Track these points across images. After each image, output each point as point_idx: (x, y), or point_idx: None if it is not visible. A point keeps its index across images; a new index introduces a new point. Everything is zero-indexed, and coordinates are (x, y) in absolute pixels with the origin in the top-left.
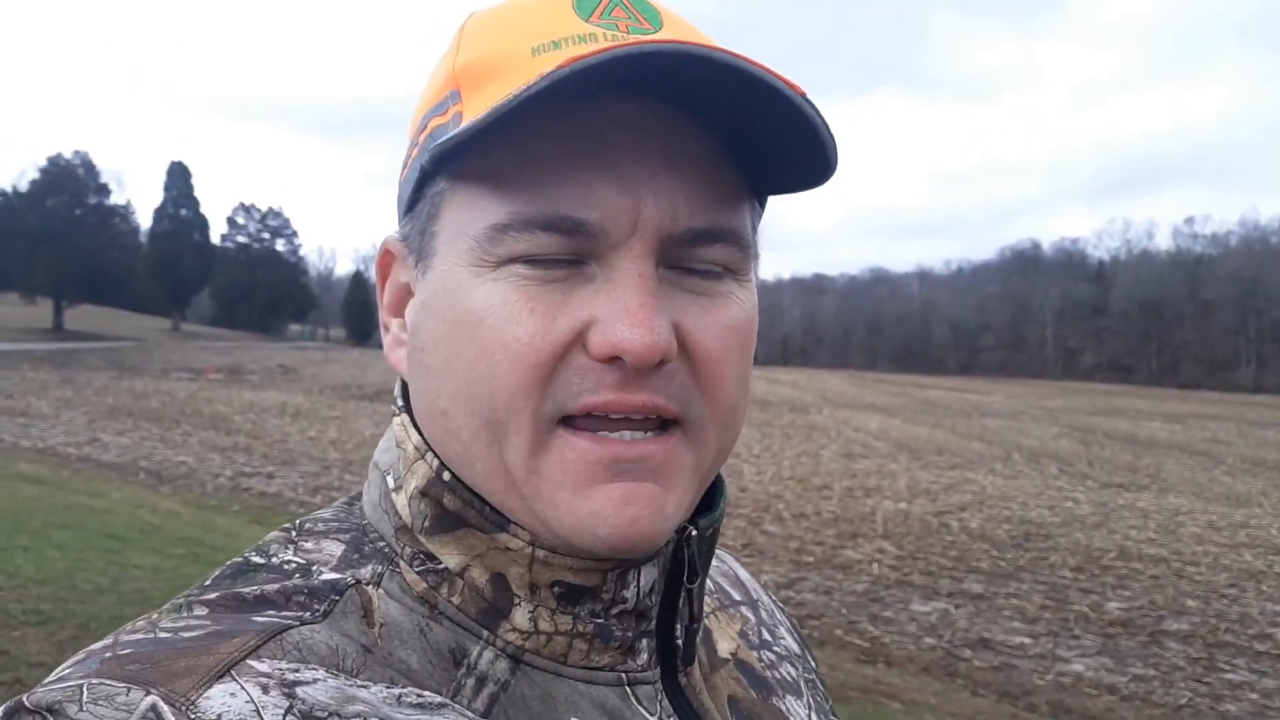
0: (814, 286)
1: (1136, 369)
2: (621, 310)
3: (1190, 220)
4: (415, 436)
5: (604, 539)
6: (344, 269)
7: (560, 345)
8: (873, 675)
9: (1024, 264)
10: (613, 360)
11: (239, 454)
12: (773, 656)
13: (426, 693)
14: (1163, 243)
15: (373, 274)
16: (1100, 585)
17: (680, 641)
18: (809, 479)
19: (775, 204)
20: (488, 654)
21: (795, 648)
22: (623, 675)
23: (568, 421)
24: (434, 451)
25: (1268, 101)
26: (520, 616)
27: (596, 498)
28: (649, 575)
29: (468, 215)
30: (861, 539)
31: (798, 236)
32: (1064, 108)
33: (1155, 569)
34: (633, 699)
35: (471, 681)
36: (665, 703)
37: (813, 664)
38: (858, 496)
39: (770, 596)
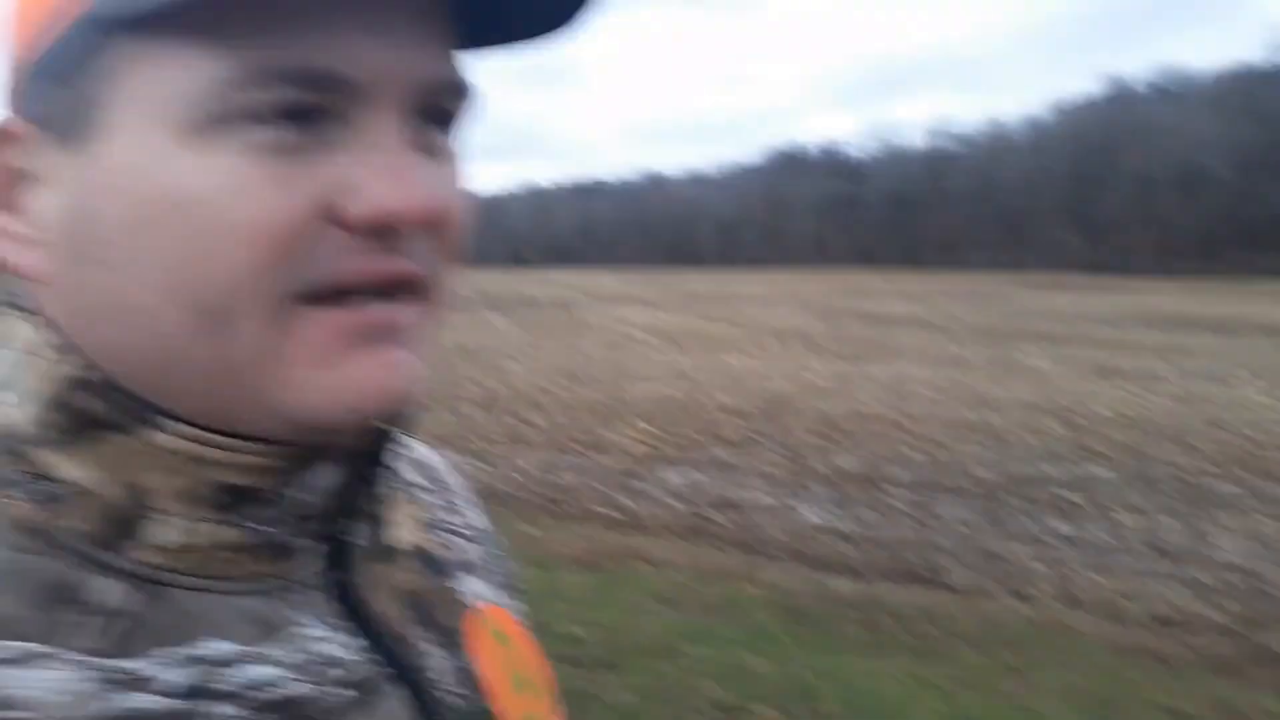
0: (589, 191)
1: (882, 256)
2: (385, 171)
3: (942, 120)
4: (46, 335)
5: (355, 407)
6: None
7: (304, 217)
8: (626, 542)
9: (790, 165)
10: (375, 228)
11: None
12: (452, 539)
13: (15, 643)
14: (916, 142)
15: None
16: (834, 445)
17: (355, 540)
18: (574, 371)
19: (553, 112)
20: (115, 584)
21: (479, 525)
22: (285, 584)
23: (311, 299)
24: (81, 352)
25: (1001, 9)
26: (163, 532)
27: (347, 368)
28: (327, 473)
29: (173, 73)
30: (621, 422)
31: (574, 145)
32: (820, 13)
33: (883, 427)
34: (291, 606)
35: (96, 620)
36: (334, 605)
37: (499, 543)
38: (620, 384)
39: (458, 477)
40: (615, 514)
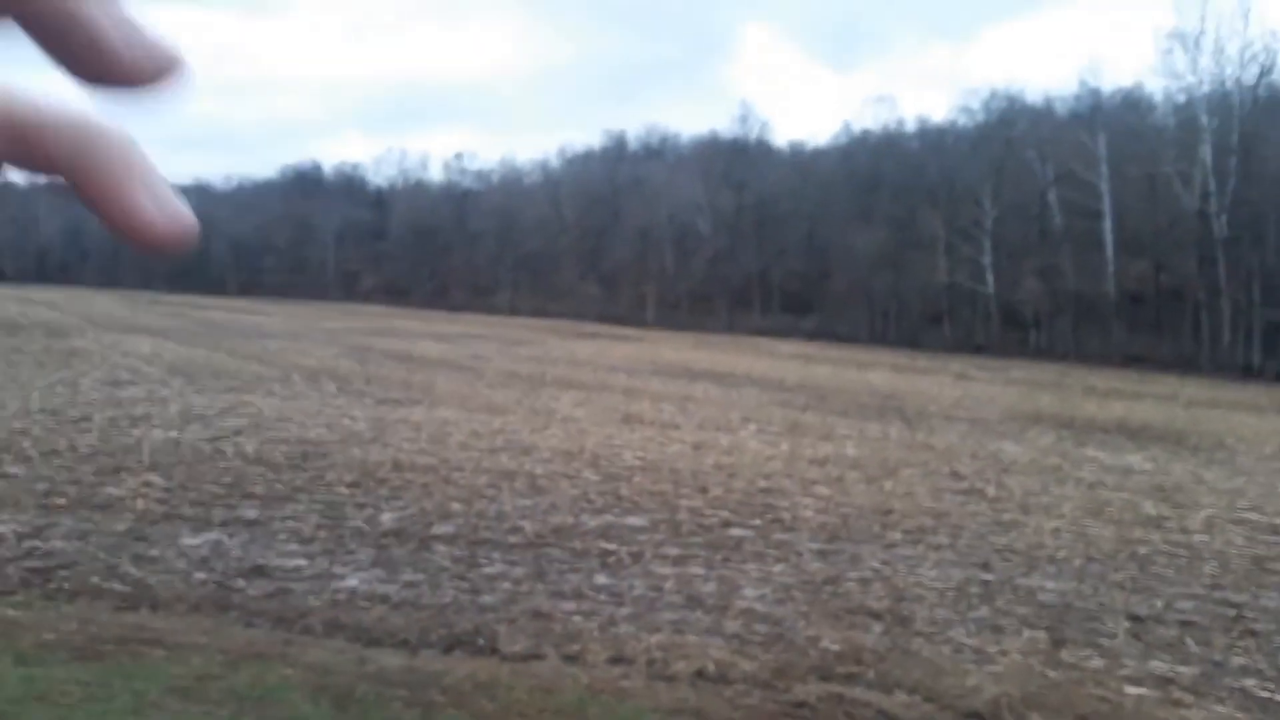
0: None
1: (412, 292)
2: None
3: (459, 156)
4: None
5: None
6: None
7: None
8: (134, 622)
9: (306, 185)
10: None
11: None
12: None
13: None
14: (435, 174)
15: None
16: (375, 498)
17: None
18: (65, 411)
19: None
20: None
21: None
22: None
23: None
24: None
25: (515, 55)
26: None
27: None
28: None
29: None
30: (125, 473)
31: None
32: (342, 33)
33: (426, 477)
34: None
35: None
36: None
37: None
38: (123, 427)
39: None
40: (121, 587)
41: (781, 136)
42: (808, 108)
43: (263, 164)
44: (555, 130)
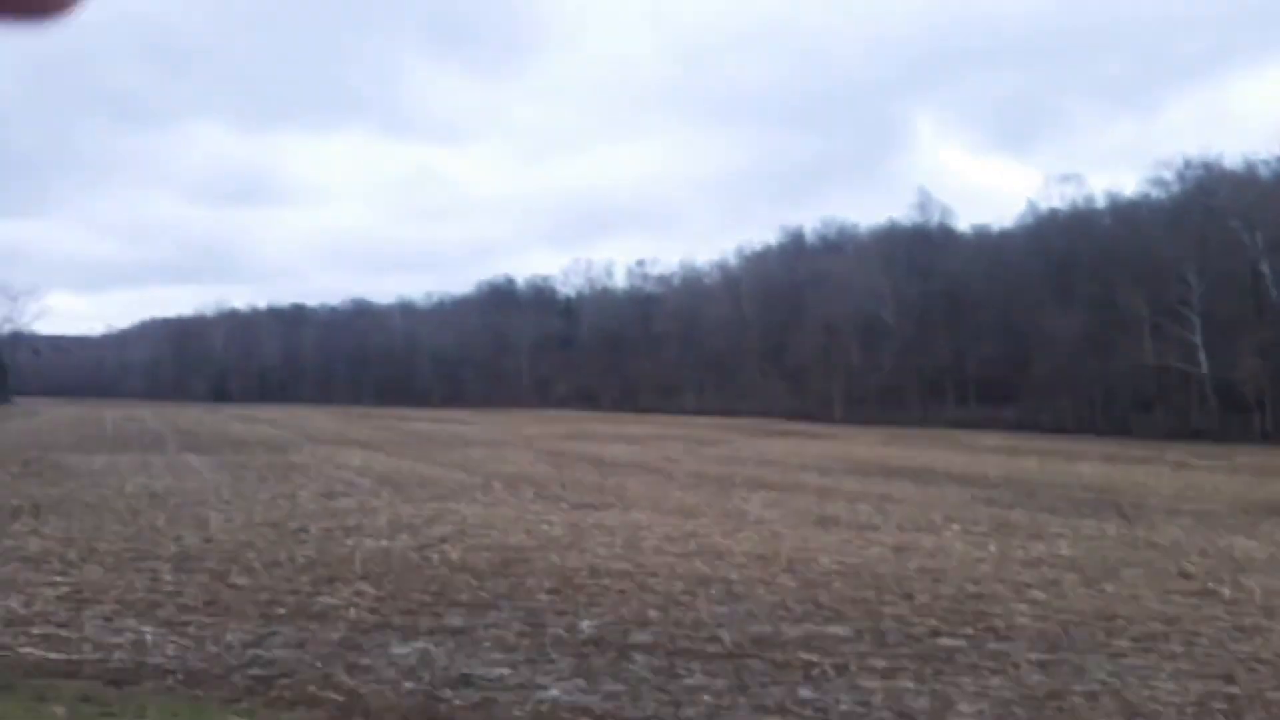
0: (293, 317)
1: (601, 396)
2: None
3: (641, 262)
4: None
5: None
6: None
7: None
8: None
9: (500, 298)
10: None
11: None
12: None
13: None
14: (620, 281)
15: None
16: (573, 605)
17: None
18: (285, 523)
19: (250, 231)
20: None
21: None
22: None
23: None
24: None
25: (690, 162)
26: None
27: None
28: None
29: None
30: (340, 582)
31: (273, 268)
32: (528, 156)
33: (622, 583)
34: None
35: None
36: None
37: None
38: (337, 537)
39: None
40: (336, 695)
41: (964, 221)
42: (988, 191)
43: (461, 281)
44: (733, 231)
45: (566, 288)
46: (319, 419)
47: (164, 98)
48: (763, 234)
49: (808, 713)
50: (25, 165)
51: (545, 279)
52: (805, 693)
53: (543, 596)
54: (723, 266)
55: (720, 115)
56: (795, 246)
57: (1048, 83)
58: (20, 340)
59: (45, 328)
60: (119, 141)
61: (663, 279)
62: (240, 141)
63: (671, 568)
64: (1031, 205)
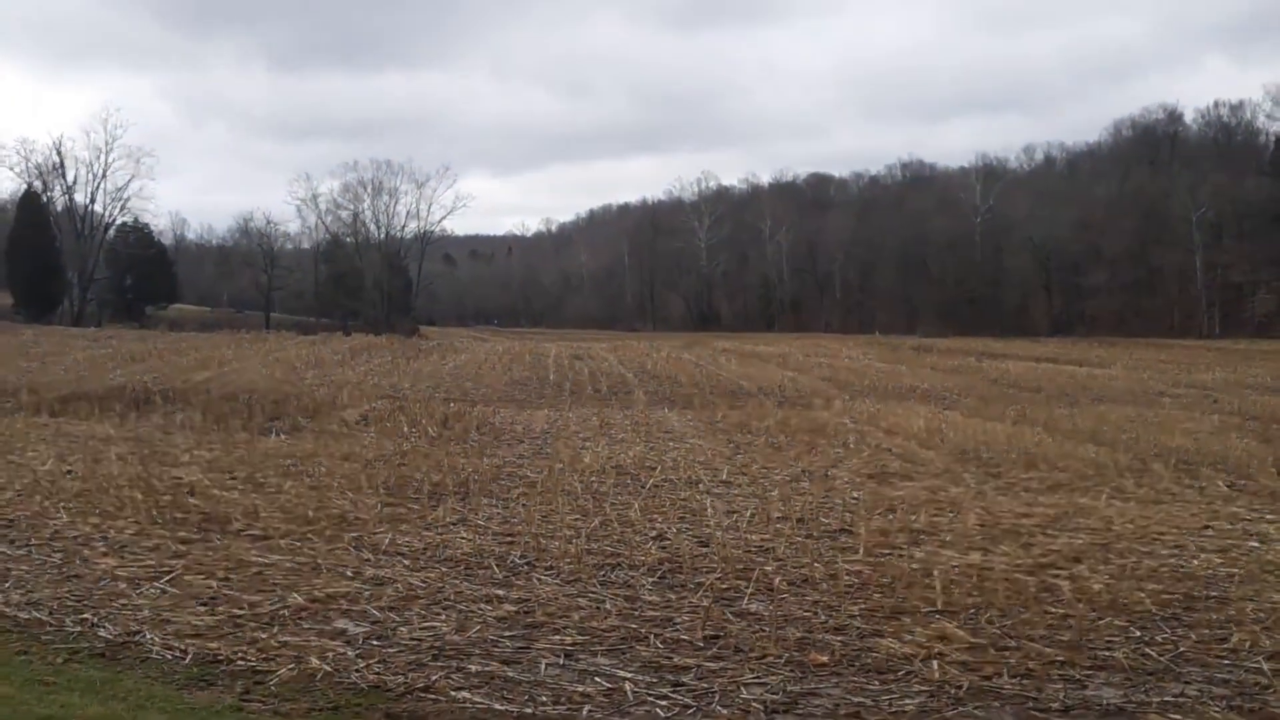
0: (813, 197)
1: None
2: None
3: None
4: None
5: None
6: (4, 190)
7: None
8: None
9: (1155, 147)
10: None
11: None
12: None
13: None
14: None
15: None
16: None
17: None
18: (815, 519)
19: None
20: None
21: None
22: None
23: None
24: None
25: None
26: None
27: None
28: None
29: None
30: (908, 617)
31: (775, 122)
32: None
33: None
34: None
35: None
36: None
37: None
38: (898, 545)
39: None
40: None
41: None
42: None
43: (1074, 126)
44: None
45: (1276, 122)
46: (853, 355)
47: None
48: None
49: None
50: None
51: (1236, 107)
52: None
53: (1262, 663)
54: None
55: None
56: None
57: None
58: (430, 244)
59: (461, 226)
60: None
61: None
62: None
63: None
64: None
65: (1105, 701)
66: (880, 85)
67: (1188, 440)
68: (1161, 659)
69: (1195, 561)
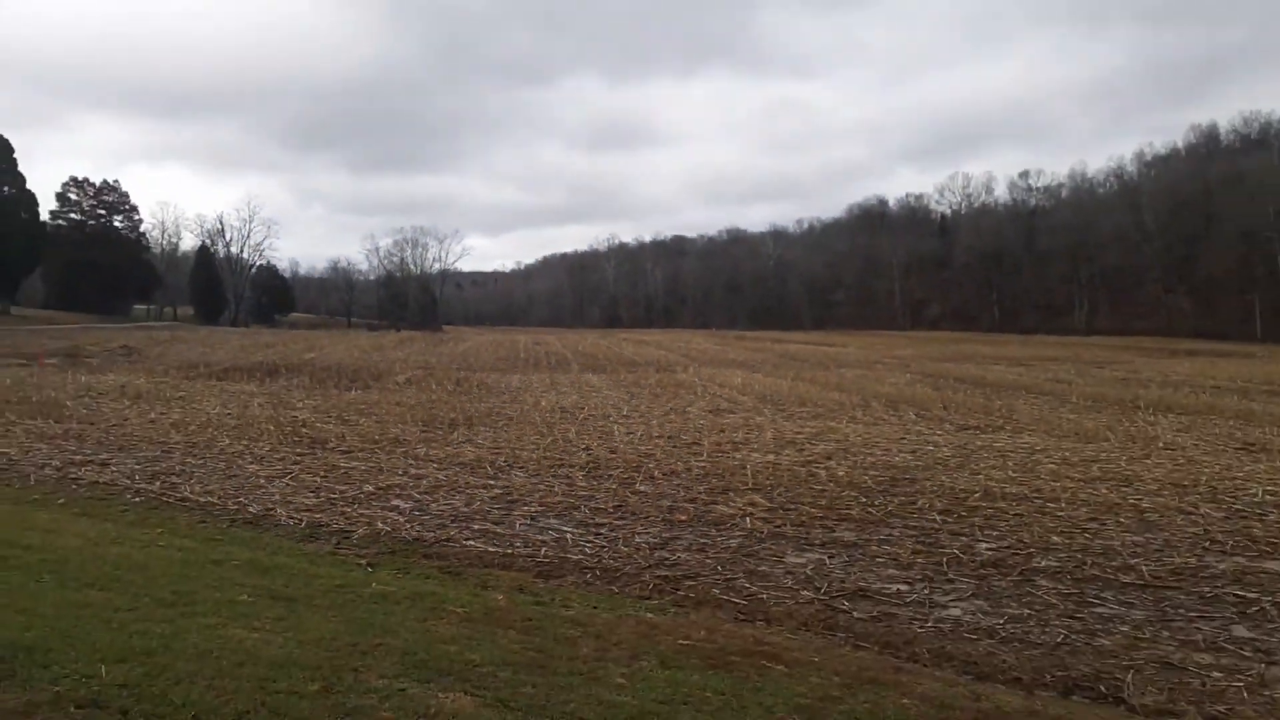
0: (674, 248)
1: (979, 317)
2: None
3: (1025, 174)
4: None
5: None
6: (189, 245)
7: None
8: (753, 635)
9: (871, 220)
10: None
11: (70, 441)
12: None
13: None
14: (1001, 196)
15: (220, 249)
16: (968, 526)
17: None
18: (679, 436)
19: (627, 173)
20: None
21: None
22: None
23: None
24: None
25: (1063, 71)
26: None
27: None
28: None
29: None
30: (733, 493)
31: (651, 205)
32: (885, 80)
33: (1019, 507)
34: None
35: None
36: None
37: None
38: (727, 450)
39: None
40: (738, 599)
41: None
42: None
43: (828, 206)
44: (1111, 140)
45: (941, 205)
46: (699, 342)
47: (546, 57)
48: (1163, 138)
49: (1246, 652)
50: (443, 128)
51: (918, 198)
52: (1241, 631)
53: (935, 517)
54: (1119, 174)
55: (1085, 14)
56: (1207, 147)
57: None
58: (447, 277)
59: (466, 265)
60: (512, 96)
61: (1049, 191)
62: (613, 92)
63: (1073, 493)
64: None
65: (846, 539)
66: (713, 183)
67: (892, 389)
68: (878, 515)
69: (897, 458)
